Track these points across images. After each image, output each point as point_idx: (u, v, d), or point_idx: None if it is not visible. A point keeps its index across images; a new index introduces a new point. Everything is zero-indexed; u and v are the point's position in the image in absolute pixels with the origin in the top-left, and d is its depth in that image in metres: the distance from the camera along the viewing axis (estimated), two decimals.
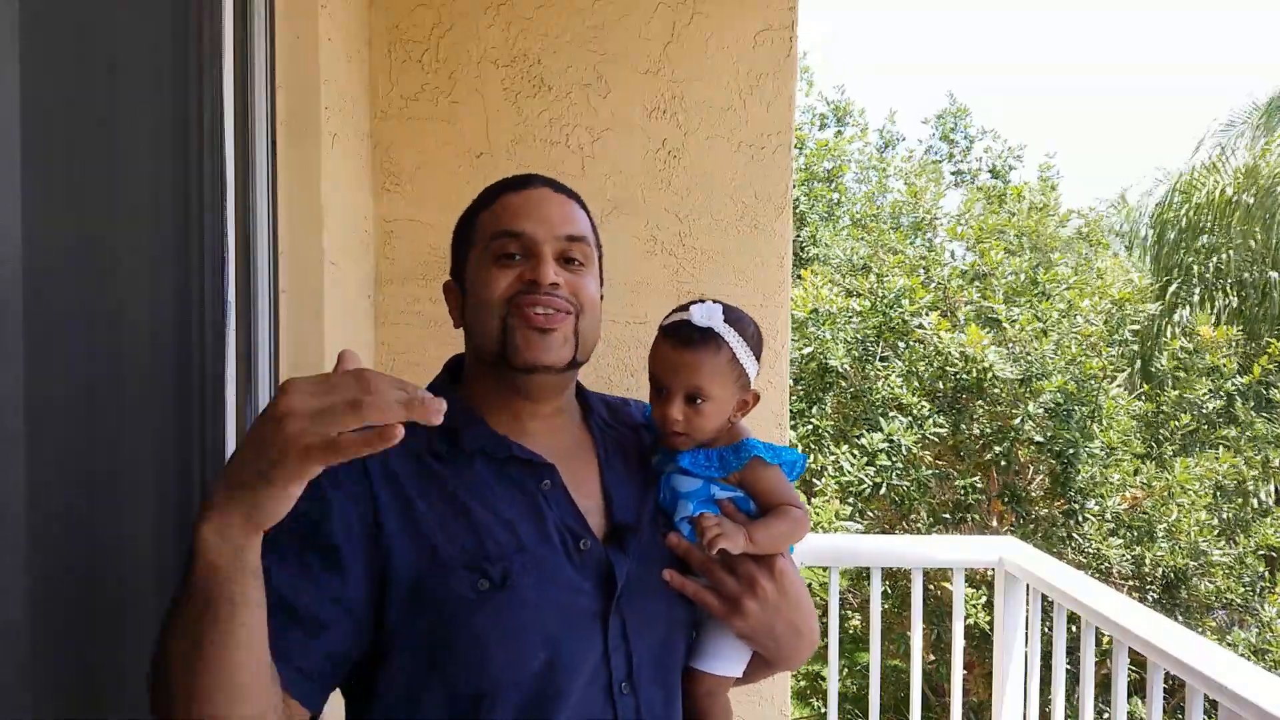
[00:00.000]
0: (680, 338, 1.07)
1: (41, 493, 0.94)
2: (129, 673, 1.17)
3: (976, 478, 5.70)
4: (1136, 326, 6.49)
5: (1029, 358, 5.58)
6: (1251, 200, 8.08)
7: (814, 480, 5.66)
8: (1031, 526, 5.67)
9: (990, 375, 5.41)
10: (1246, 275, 8.14)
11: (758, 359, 1.11)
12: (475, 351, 1.07)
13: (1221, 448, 5.91)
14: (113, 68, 1.14)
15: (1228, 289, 8.11)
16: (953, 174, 9.79)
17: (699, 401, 1.06)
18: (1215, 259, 8.28)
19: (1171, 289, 8.29)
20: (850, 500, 5.48)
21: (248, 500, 0.72)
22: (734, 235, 2.13)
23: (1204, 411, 6.11)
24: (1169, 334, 6.87)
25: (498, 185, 1.09)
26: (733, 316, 1.09)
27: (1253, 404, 6.26)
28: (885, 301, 5.89)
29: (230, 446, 1.46)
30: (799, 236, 7.75)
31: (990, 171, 9.60)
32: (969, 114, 10.00)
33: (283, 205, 1.66)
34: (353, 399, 0.68)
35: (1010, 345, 5.63)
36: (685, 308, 1.10)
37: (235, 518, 0.73)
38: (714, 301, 1.09)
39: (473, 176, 2.10)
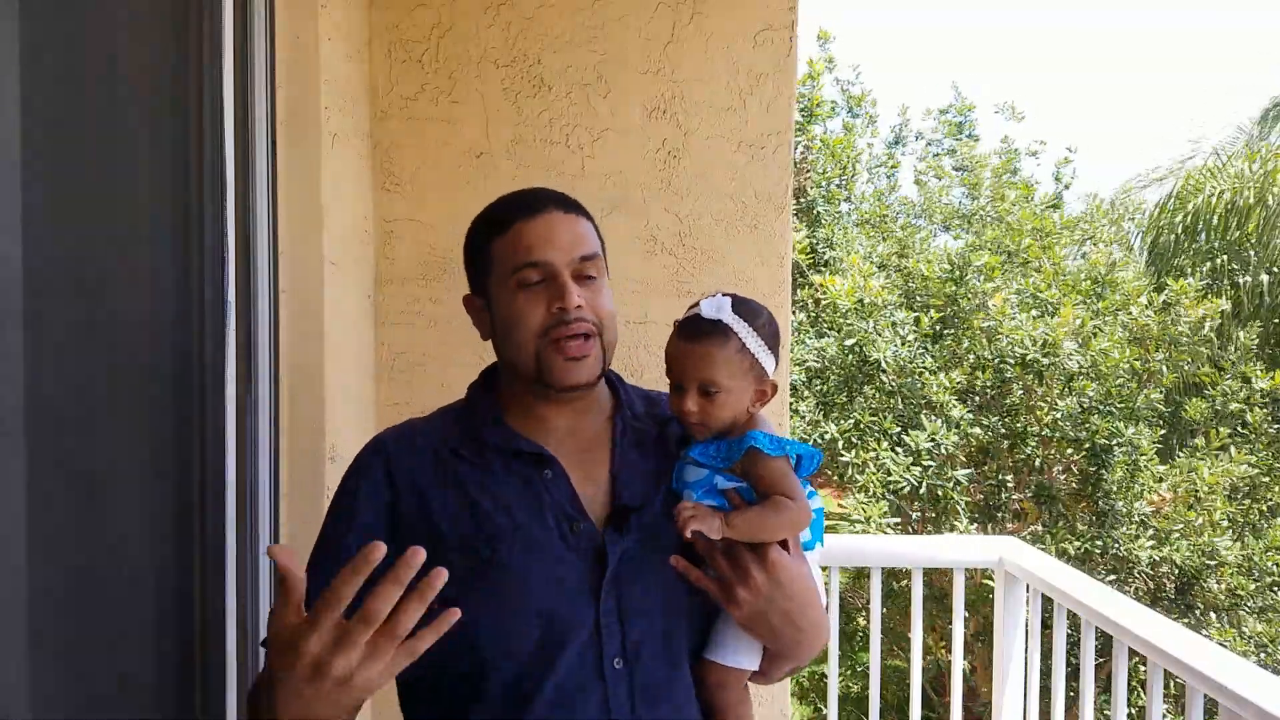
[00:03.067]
0: (690, 331, 1.11)
1: (41, 493, 0.94)
2: (128, 672, 1.17)
3: (1009, 477, 5.69)
4: (1185, 328, 6.42)
5: (1084, 352, 5.57)
6: (1252, 203, 8.06)
7: (857, 476, 5.62)
8: (1060, 526, 5.65)
9: (1056, 364, 5.40)
10: (1242, 280, 8.13)
11: (773, 349, 1.13)
12: (509, 365, 1.14)
13: (1237, 449, 5.88)
14: (113, 68, 1.14)
15: (1224, 291, 8.09)
16: (955, 169, 9.75)
17: (712, 392, 1.09)
18: (1211, 262, 8.25)
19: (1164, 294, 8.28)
20: (890, 498, 5.45)
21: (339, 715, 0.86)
22: (734, 235, 2.13)
23: (1226, 414, 6.07)
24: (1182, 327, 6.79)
25: (511, 210, 1.12)
26: (744, 308, 1.11)
27: (1268, 410, 6.23)
28: (966, 276, 5.84)
29: (230, 446, 1.46)
30: (814, 239, 7.71)
31: (993, 171, 9.54)
32: (975, 109, 9.92)
33: (283, 205, 1.66)
34: (353, 624, 0.82)
35: (1077, 336, 5.63)
36: (699, 302, 1.13)
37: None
38: (724, 294, 1.12)
39: (473, 176, 2.10)
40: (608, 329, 1.11)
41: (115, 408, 1.12)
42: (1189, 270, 8.03)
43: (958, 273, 5.91)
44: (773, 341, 1.13)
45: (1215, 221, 8.33)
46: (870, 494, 5.39)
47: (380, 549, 0.82)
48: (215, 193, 1.42)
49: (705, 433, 1.12)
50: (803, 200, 7.85)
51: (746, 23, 2.10)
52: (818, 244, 7.70)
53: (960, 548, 2.72)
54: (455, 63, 2.09)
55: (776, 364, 1.14)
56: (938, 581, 5.09)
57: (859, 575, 6.28)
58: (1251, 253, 8.06)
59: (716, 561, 1.08)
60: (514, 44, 2.09)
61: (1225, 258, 8.18)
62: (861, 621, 6.71)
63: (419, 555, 0.82)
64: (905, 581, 5.49)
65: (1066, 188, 9.31)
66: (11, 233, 0.90)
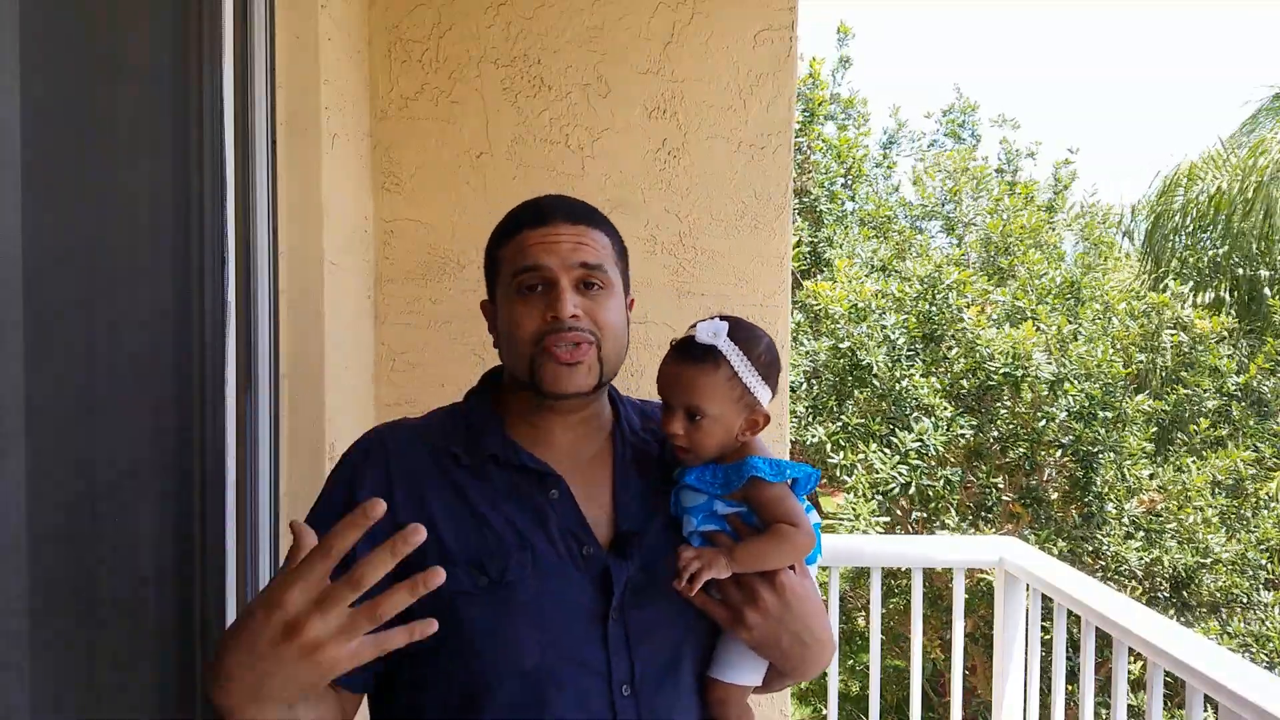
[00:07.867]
0: (682, 353, 1.09)
1: (41, 493, 0.94)
2: (128, 672, 1.17)
3: (999, 479, 5.71)
4: (1174, 333, 6.39)
5: (1063, 359, 5.59)
6: (1250, 194, 8.04)
7: (844, 478, 5.64)
8: (1051, 528, 5.67)
9: (1029, 374, 5.42)
10: (1241, 271, 8.11)
11: (769, 380, 1.09)
12: (508, 372, 1.13)
13: (1227, 445, 5.89)
14: (113, 67, 1.14)
15: (1221, 283, 8.08)
16: (955, 171, 9.72)
17: (698, 418, 1.06)
18: (1209, 253, 8.24)
19: (1163, 284, 8.27)
20: (878, 498, 5.47)
21: (287, 698, 0.81)
22: (734, 235, 2.13)
23: (1205, 410, 6.10)
24: (1165, 328, 6.78)
25: (519, 218, 1.12)
26: (742, 335, 1.08)
27: (1247, 403, 6.25)
28: (938, 291, 5.84)
29: (230, 446, 1.46)
30: (816, 239, 7.71)
31: (996, 169, 9.52)
32: (978, 109, 9.89)
33: (283, 205, 1.66)
34: (354, 604, 0.78)
35: (1047, 346, 5.64)
36: (698, 322, 1.10)
37: (272, 710, 0.82)
38: (724, 318, 1.09)
39: (473, 176, 2.10)
40: (608, 340, 1.08)
41: (115, 408, 1.12)
42: (1188, 263, 8.02)
43: (929, 290, 5.92)
44: (769, 371, 1.09)
45: (1214, 214, 8.31)
46: (859, 494, 5.41)
47: (381, 506, 0.77)
48: (215, 193, 1.42)
49: (693, 459, 1.09)
50: (805, 200, 7.86)
51: (746, 23, 2.10)
52: (819, 243, 7.70)
53: (960, 548, 2.72)
54: (455, 63, 2.09)
55: (773, 394, 1.11)
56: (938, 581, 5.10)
57: (859, 575, 6.28)
58: (1251, 245, 8.05)
59: (724, 586, 1.06)
60: (514, 44, 2.09)
61: (1225, 249, 8.16)
62: (861, 623, 6.71)
63: (419, 534, 0.77)
64: (905, 581, 5.50)
65: (1066, 188, 9.30)
66: (11, 232, 0.90)
